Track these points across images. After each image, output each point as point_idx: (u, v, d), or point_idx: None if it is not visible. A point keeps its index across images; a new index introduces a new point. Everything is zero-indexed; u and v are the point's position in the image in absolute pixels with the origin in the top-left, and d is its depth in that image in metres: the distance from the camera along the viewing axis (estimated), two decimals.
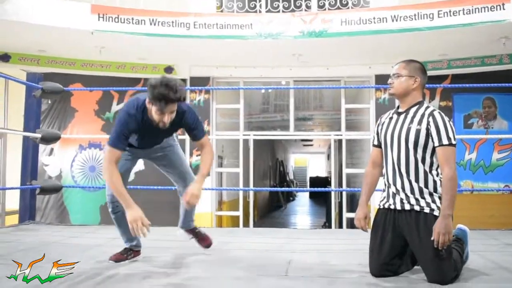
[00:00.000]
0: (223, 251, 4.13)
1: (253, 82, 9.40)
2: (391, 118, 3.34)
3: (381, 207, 3.38)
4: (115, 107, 9.30)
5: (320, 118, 14.30)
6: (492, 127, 8.82)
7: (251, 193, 9.65)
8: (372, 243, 3.35)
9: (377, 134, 3.43)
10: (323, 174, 31.35)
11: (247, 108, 10.71)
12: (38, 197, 7.01)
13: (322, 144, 25.83)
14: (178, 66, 9.07)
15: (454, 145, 3.09)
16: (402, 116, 3.26)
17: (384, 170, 3.39)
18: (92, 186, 9.00)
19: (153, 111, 3.26)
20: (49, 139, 6.17)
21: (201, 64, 9.12)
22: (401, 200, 3.23)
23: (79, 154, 9.30)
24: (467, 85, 5.97)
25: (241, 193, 9.47)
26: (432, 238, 3.01)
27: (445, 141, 3.07)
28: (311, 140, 23.98)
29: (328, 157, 24.88)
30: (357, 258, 3.83)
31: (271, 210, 19.62)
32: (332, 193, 10.17)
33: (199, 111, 9.13)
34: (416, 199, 3.18)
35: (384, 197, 3.38)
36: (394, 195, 3.28)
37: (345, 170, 9.32)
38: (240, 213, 9.26)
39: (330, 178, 16.46)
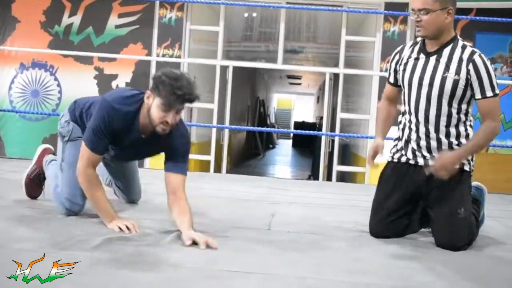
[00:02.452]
0: (193, 198, 4.10)
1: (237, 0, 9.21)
2: (416, 59, 3.21)
3: (394, 160, 3.37)
4: (67, 20, 9.07)
5: (313, 52, 14.20)
6: None
7: (226, 136, 9.61)
8: (377, 197, 3.39)
9: (395, 72, 3.35)
10: (310, 119, 31.45)
11: (226, 34, 10.54)
12: None
13: (311, 83, 25.76)
14: None
15: (497, 95, 3.06)
16: (433, 60, 3.15)
17: (402, 118, 3.35)
18: (36, 111, 8.85)
19: (156, 107, 2.99)
20: None
21: None
22: (424, 157, 3.24)
23: (20, 75, 9.10)
24: (494, 18, 5.91)
25: (213, 135, 9.42)
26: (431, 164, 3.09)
27: (489, 93, 3.04)
28: (299, 78, 23.89)
29: (318, 99, 24.91)
30: (351, 215, 3.87)
31: (246, 158, 19.70)
32: (322, 142, 10.18)
33: (169, 32, 9.02)
34: None
35: (399, 150, 3.35)
36: (414, 151, 3.27)
37: (340, 115, 9.30)
38: (211, 157, 9.24)
39: (319, 125, 16.50)
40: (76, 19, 9.04)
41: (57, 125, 3.49)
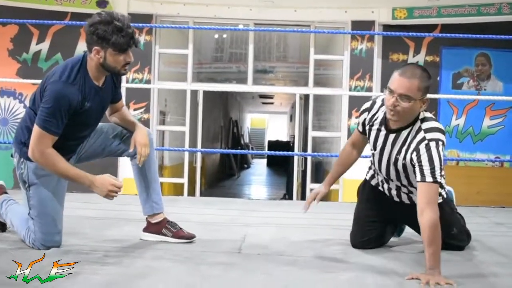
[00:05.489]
0: None
1: (205, 23, 9.24)
2: (379, 130, 3.25)
3: (369, 180, 3.56)
4: (35, 47, 9.02)
5: (284, 71, 14.28)
6: (485, 89, 8.94)
7: (199, 158, 9.59)
8: (357, 212, 3.60)
9: (363, 125, 3.36)
10: (284, 138, 31.51)
11: (197, 56, 10.56)
12: None
13: (284, 102, 25.87)
14: (114, 0, 8.84)
15: (439, 183, 3.00)
16: (392, 138, 3.20)
17: (371, 159, 3.45)
18: (4, 141, 8.78)
19: (112, 56, 3.11)
20: None
21: None
22: (389, 188, 3.43)
23: None
24: (459, 35, 5.99)
25: (186, 157, 9.40)
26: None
27: (428, 178, 2.97)
28: (271, 97, 23.97)
29: (291, 118, 25.00)
30: (322, 234, 3.87)
31: (221, 179, 19.66)
32: (295, 160, 10.21)
33: (138, 56, 8.99)
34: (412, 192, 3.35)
35: (373, 176, 3.52)
36: (383, 183, 3.45)
37: (311, 133, 9.35)
38: (185, 180, 9.21)
39: (293, 143, 16.55)
40: (44, 46, 9.00)
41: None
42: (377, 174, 3.44)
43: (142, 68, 9.01)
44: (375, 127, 3.27)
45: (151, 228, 3.55)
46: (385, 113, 3.18)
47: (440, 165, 2.99)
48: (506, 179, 8.70)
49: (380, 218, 3.50)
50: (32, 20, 7.58)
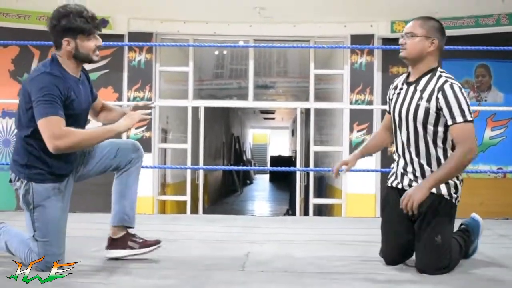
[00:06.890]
0: (166, 241, 4.08)
1: (205, 40, 9.29)
2: (400, 90, 3.36)
3: (389, 185, 3.48)
4: None
5: (284, 86, 14.32)
6: (486, 100, 8.96)
7: (201, 175, 9.59)
8: (384, 224, 3.47)
9: (389, 100, 3.50)
10: (286, 153, 31.51)
11: (197, 72, 10.60)
12: None
13: (285, 117, 25.91)
14: (114, 19, 8.88)
15: (471, 121, 3.09)
16: (412, 88, 3.28)
17: (394, 148, 3.47)
18: (7, 163, 8.79)
19: (83, 42, 3.18)
20: None
21: (142, 17, 8.95)
22: (410, 180, 3.32)
23: None
24: (458, 47, 6.01)
25: (189, 175, 9.41)
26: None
27: (459, 119, 3.08)
28: (273, 112, 24.01)
29: (293, 133, 25.02)
30: (324, 250, 3.86)
31: (224, 195, 19.64)
32: (297, 176, 10.21)
33: (139, 74, 9.03)
34: None
35: (393, 174, 3.46)
36: (402, 175, 3.37)
37: (313, 148, 9.35)
38: (187, 197, 9.21)
39: (295, 158, 16.57)
40: None
41: (15, 191, 3.23)
42: (397, 153, 3.40)
43: (143, 86, 9.04)
44: (398, 88, 3.39)
45: (116, 244, 3.48)
46: (407, 73, 3.39)
47: (467, 104, 3.11)
48: (509, 190, 8.69)
49: (401, 221, 3.33)
50: (33, 41, 7.61)
